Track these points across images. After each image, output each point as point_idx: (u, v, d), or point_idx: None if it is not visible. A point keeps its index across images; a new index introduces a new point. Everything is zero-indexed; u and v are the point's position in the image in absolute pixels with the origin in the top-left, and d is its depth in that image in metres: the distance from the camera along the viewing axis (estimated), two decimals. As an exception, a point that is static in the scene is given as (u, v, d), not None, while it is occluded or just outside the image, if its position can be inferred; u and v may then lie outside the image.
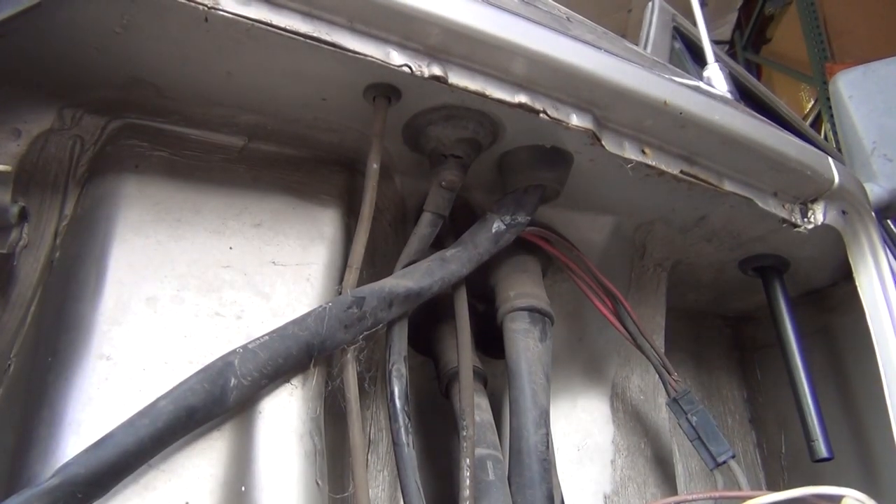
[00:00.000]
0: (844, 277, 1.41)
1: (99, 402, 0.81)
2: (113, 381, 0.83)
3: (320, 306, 0.92)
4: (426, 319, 1.19)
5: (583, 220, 1.31)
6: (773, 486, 1.62)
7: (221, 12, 0.80)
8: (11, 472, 0.78)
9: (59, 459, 0.75)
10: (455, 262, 1.08)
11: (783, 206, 1.22)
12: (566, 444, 1.36)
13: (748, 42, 6.80)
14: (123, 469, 0.75)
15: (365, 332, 0.95)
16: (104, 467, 0.73)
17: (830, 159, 1.25)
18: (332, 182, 1.09)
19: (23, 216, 0.94)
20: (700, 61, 1.88)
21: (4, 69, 0.90)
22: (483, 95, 0.94)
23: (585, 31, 1.16)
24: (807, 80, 5.85)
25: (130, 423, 0.76)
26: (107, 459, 0.73)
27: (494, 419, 1.12)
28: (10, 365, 0.90)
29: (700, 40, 1.95)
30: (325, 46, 0.85)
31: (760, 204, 1.19)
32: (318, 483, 0.87)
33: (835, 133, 4.72)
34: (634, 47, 1.42)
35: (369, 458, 1.10)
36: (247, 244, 0.98)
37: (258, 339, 0.87)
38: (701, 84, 1.23)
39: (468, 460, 0.97)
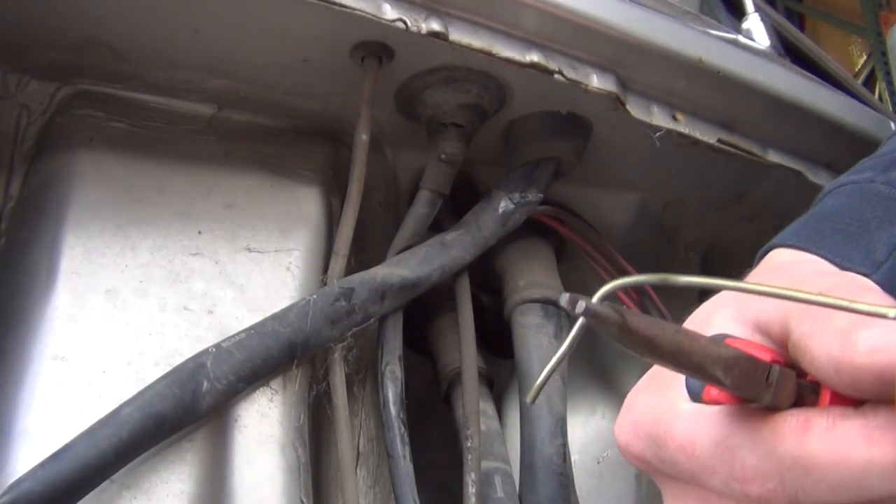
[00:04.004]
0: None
1: (53, 409, 0.82)
2: (69, 386, 0.84)
3: (303, 299, 0.93)
4: (423, 313, 1.20)
5: (603, 198, 1.32)
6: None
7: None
8: (-46, 490, 0.79)
9: (10, 475, 0.76)
10: (457, 246, 1.09)
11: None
12: (585, 456, 1.37)
13: (788, -12, 6.78)
14: (83, 485, 0.76)
15: (354, 329, 0.96)
16: (61, 483, 0.74)
17: (893, 124, 1.25)
18: (315, 156, 1.10)
19: (-41, 198, 0.95)
20: (736, 12, 1.88)
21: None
22: (489, 54, 0.95)
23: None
24: (858, 31, 5.82)
25: (90, 433, 0.77)
26: (64, 475, 0.74)
27: (501, 427, 1.13)
28: (-51, 369, 0.91)
29: (736, -14, 1.95)
30: (308, -1, 0.86)
31: (811, 177, 1.19)
32: (302, 500, 0.88)
33: (891, 93, 4.72)
34: (661, -5, 1.42)
35: (358, 471, 1.11)
36: (218, 228, 0.99)
37: (233, 336, 0.88)
38: (740, 38, 1.23)
39: (473, 474, 0.98)
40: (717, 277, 0.43)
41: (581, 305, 0.36)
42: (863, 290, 0.51)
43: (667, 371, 0.45)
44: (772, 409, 0.43)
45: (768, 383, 0.42)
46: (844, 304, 0.38)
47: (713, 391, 0.45)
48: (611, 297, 0.40)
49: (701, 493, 0.48)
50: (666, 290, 1.41)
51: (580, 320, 0.37)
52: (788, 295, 0.40)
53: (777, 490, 0.41)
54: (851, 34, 6.05)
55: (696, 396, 0.47)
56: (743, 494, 0.43)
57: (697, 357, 0.40)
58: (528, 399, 0.42)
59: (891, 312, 0.37)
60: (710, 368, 0.40)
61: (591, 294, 0.39)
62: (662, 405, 0.49)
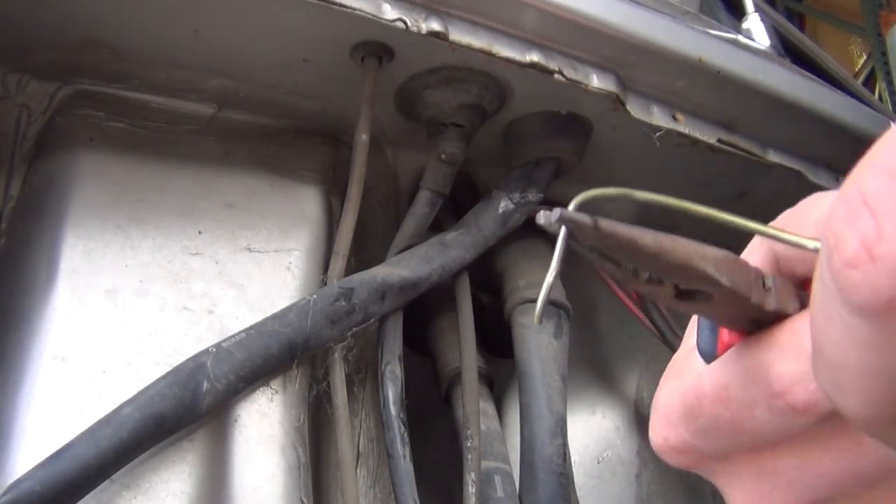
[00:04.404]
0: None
1: (54, 409, 0.82)
2: (69, 386, 0.84)
3: (303, 299, 0.93)
4: (423, 313, 1.20)
5: (603, 198, 1.31)
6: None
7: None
8: (-45, 491, 0.79)
9: (10, 475, 0.76)
10: (457, 246, 1.09)
11: (837, 178, 1.23)
12: (585, 456, 1.38)
13: (788, -13, 6.78)
14: (83, 485, 0.76)
15: (354, 329, 0.96)
16: (61, 483, 0.74)
17: (894, 125, 1.25)
18: (315, 156, 1.10)
19: (-41, 198, 0.95)
20: (736, 12, 1.88)
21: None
22: (489, 54, 0.95)
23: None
24: (858, 31, 5.83)
25: (90, 433, 0.77)
26: (64, 474, 0.74)
27: (501, 427, 1.13)
28: (-51, 368, 0.91)
29: (736, -15, 1.95)
30: (307, -1, 0.86)
31: (811, 177, 1.19)
32: (302, 501, 0.88)
33: (891, 93, 4.73)
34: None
35: (358, 471, 1.11)
36: (218, 228, 0.99)
37: (233, 336, 0.88)
38: (740, 38, 1.24)
39: (473, 474, 0.98)
40: (678, 199, 0.42)
41: (556, 213, 0.36)
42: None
43: (677, 360, 0.44)
44: (781, 318, 0.42)
45: (766, 288, 0.42)
46: (773, 232, 0.39)
47: (725, 335, 0.45)
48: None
49: (755, 463, 0.46)
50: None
51: (562, 233, 0.37)
52: (731, 221, 0.40)
53: (819, 389, 0.40)
54: (851, 34, 6.06)
55: (710, 355, 0.46)
56: (789, 410, 0.41)
57: (682, 254, 0.39)
58: (535, 320, 0.40)
59: (810, 244, 0.37)
60: (698, 265, 0.40)
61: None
62: (683, 382, 0.49)
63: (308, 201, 1.05)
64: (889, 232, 0.30)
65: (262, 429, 0.88)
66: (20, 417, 0.81)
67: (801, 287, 0.43)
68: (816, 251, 0.37)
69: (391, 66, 1.00)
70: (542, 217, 0.36)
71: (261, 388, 0.90)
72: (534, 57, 0.96)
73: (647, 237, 0.39)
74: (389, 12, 0.89)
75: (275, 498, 0.86)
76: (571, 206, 0.38)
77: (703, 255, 0.40)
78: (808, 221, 0.45)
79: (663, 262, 0.39)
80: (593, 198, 0.40)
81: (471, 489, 0.97)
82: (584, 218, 0.37)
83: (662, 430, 0.51)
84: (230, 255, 0.98)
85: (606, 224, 0.37)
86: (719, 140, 1.11)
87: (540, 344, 1.13)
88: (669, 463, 0.51)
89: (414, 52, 0.99)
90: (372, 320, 0.99)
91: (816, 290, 0.35)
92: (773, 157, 1.16)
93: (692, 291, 0.41)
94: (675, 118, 1.07)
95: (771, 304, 0.41)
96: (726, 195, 1.34)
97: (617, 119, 1.08)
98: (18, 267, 0.92)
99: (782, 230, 0.39)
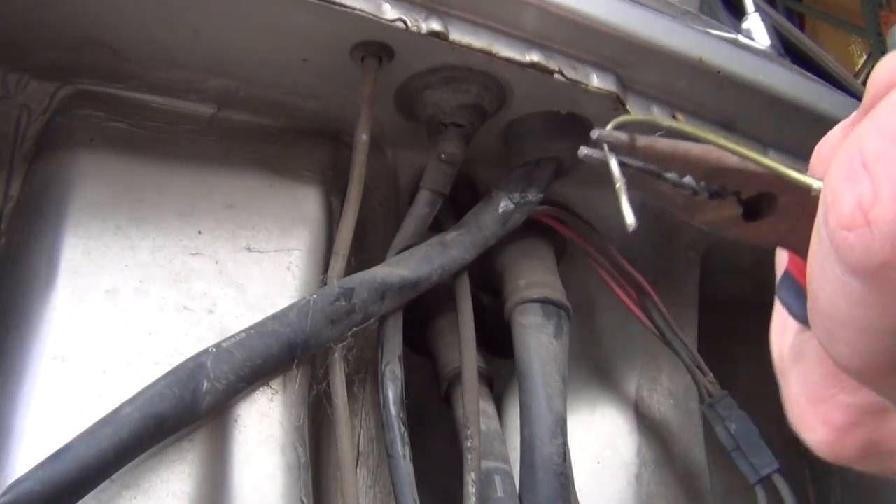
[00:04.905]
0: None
1: (54, 408, 0.82)
2: (69, 385, 0.84)
3: (303, 299, 0.93)
4: (423, 313, 1.20)
5: (603, 198, 1.32)
6: (823, 504, 1.64)
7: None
8: (-45, 490, 0.79)
9: (10, 475, 0.76)
10: (457, 246, 1.09)
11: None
12: (585, 456, 1.37)
13: (788, -13, 6.77)
14: (83, 485, 0.76)
15: (354, 329, 0.96)
16: (62, 483, 0.74)
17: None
18: (315, 156, 1.10)
19: (-41, 198, 0.95)
20: (736, 12, 1.88)
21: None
22: (489, 54, 0.95)
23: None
24: (858, 31, 5.83)
25: (91, 433, 0.77)
26: (64, 474, 0.74)
27: (501, 427, 1.14)
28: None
29: (736, -15, 1.95)
30: (307, -1, 0.86)
31: None
32: (302, 501, 0.88)
33: (892, 93, 4.71)
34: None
35: (358, 471, 1.11)
36: (218, 228, 0.99)
37: (233, 336, 0.88)
38: (740, 38, 1.24)
39: (473, 474, 0.98)
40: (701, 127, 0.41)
41: (595, 132, 0.37)
42: None
43: (781, 356, 0.42)
44: None
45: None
46: (783, 170, 0.39)
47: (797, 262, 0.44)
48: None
49: None
50: (666, 291, 1.41)
51: (612, 158, 0.38)
52: (747, 154, 0.40)
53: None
54: (851, 34, 6.05)
55: (801, 310, 0.44)
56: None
57: (729, 156, 0.39)
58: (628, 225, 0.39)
59: (816, 184, 0.37)
60: (751, 157, 0.39)
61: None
62: (808, 357, 0.46)
63: (308, 201, 1.05)
64: (886, 196, 0.30)
65: (262, 429, 0.88)
66: (20, 417, 0.82)
67: None
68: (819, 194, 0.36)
69: (391, 66, 1.00)
70: (583, 149, 0.37)
71: (261, 388, 0.90)
72: (534, 57, 0.96)
73: (688, 144, 0.39)
74: (389, 12, 0.89)
75: (275, 498, 0.86)
76: (610, 127, 0.39)
77: (744, 149, 0.40)
78: (817, 156, 0.44)
79: (714, 163, 0.39)
80: (625, 123, 0.40)
81: (471, 489, 0.97)
82: (621, 135, 0.37)
83: (821, 417, 0.45)
84: (230, 255, 0.98)
85: (644, 139, 0.37)
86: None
87: (540, 344, 1.14)
88: (847, 455, 0.45)
89: (414, 52, 0.99)
90: (372, 320, 0.99)
91: (814, 242, 0.35)
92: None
93: (757, 202, 0.40)
94: (675, 118, 1.07)
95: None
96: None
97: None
98: (18, 267, 0.92)
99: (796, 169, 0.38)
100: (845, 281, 0.33)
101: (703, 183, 0.40)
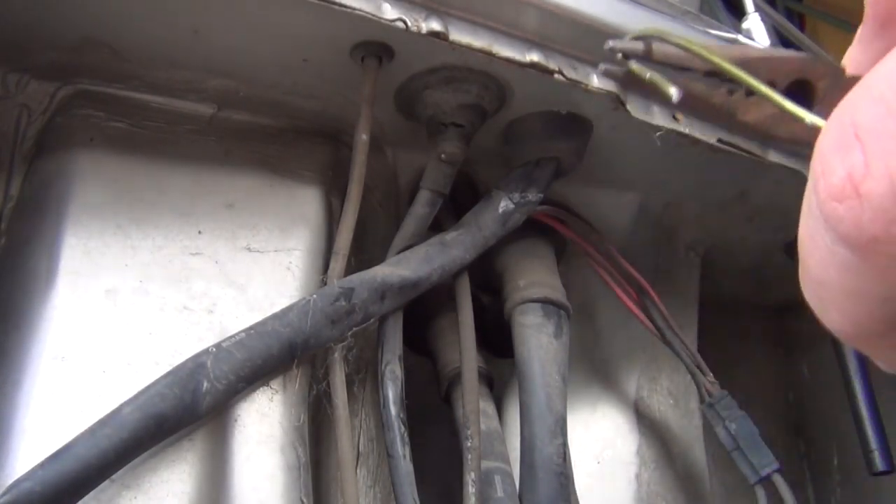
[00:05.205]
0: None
1: (54, 408, 0.82)
2: (69, 385, 0.84)
3: (303, 299, 0.93)
4: (423, 313, 1.21)
5: (603, 198, 1.32)
6: (823, 504, 1.64)
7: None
8: (-46, 490, 0.79)
9: (10, 475, 0.77)
10: (457, 246, 1.09)
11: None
12: (584, 455, 1.37)
13: (788, -13, 6.75)
14: (83, 485, 0.76)
15: (354, 328, 0.96)
16: (62, 483, 0.74)
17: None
18: (315, 156, 1.10)
19: (-41, 198, 0.95)
20: (736, 12, 1.88)
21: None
22: (489, 54, 0.95)
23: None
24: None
25: (91, 433, 0.77)
26: (65, 474, 0.74)
27: (501, 427, 1.14)
28: (-50, 368, 0.91)
29: (736, -14, 1.95)
30: (307, -1, 0.86)
31: None
32: (302, 500, 0.88)
33: (892, 93, 4.72)
34: (660, -5, 1.42)
35: (358, 471, 1.11)
36: (218, 228, 0.99)
37: (233, 336, 0.88)
38: (740, 38, 1.23)
39: (473, 474, 0.98)
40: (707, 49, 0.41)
41: (608, 43, 0.36)
42: None
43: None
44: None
45: None
46: (779, 100, 0.38)
47: None
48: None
49: None
50: (666, 291, 1.41)
51: (632, 62, 0.37)
52: (749, 81, 0.40)
53: None
54: (851, 34, 6.02)
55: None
56: None
57: (741, 49, 0.39)
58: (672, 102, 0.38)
59: (808, 118, 0.38)
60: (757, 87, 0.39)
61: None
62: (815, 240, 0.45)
63: (308, 201, 1.05)
64: (877, 169, 0.30)
65: (262, 429, 0.88)
66: (20, 417, 0.81)
67: None
68: (813, 127, 0.36)
69: (391, 66, 1.00)
70: (603, 64, 0.37)
71: (261, 388, 0.90)
72: (534, 57, 0.96)
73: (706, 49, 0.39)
74: (389, 12, 0.89)
75: (275, 498, 0.86)
76: (627, 38, 0.38)
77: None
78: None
79: (738, 58, 0.39)
80: (643, 35, 0.40)
81: (471, 489, 0.97)
82: (636, 44, 0.37)
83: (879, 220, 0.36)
84: (230, 255, 0.98)
85: (661, 45, 0.37)
86: (719, 140, 1.10)
87: (540, 344, 1.14)
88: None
89: (414, 52, 0.99)
90: (372, 320, 0.99)
91: (805, 208, 0.35)
92: (773, 157, 1.15)
93: (796, 94, 0.39)
94: (675, 118, 1.07)
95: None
96: (727, 195, 1.34)
97: (617, 119, 1.08)
98: (18, 267, 0.92)
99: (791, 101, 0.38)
100: (835, 250, 0.32)
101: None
